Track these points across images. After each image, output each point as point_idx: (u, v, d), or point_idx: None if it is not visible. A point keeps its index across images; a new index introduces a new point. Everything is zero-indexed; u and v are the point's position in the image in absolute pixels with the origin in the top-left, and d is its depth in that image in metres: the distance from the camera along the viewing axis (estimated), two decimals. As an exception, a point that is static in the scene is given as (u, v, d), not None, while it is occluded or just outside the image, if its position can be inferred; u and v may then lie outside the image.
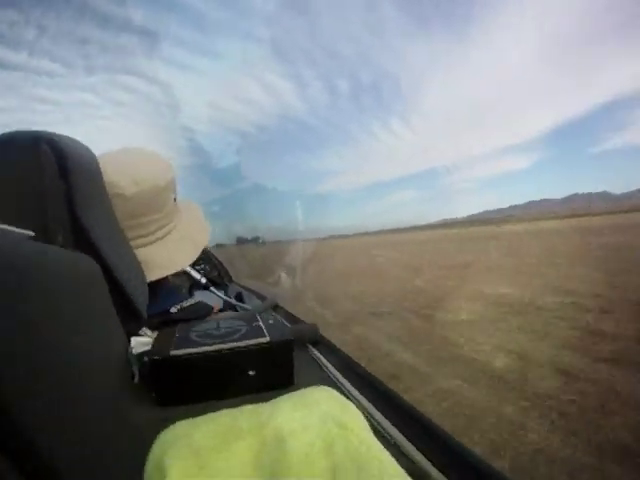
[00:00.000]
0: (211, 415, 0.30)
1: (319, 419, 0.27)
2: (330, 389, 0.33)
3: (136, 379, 0.37)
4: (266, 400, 0.32)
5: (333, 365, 0.48)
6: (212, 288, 0.77)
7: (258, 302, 0.99)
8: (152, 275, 0.52)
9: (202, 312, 0.58)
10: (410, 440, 0.34)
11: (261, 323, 0.44)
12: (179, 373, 0.36)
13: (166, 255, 0.55)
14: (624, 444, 1.41)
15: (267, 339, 0.39)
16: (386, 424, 0.36)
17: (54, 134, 0.38)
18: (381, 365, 2.36)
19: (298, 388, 0.40)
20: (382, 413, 0.37)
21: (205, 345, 0.37)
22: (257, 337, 0.39)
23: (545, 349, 2.47)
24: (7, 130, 0.38)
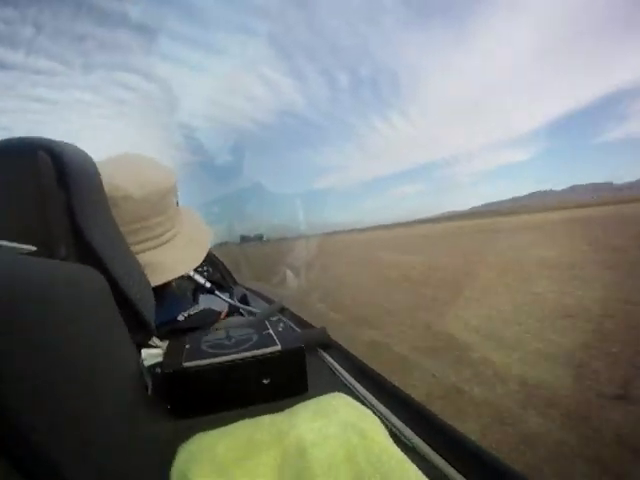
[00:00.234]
0: (231, 427, 0.30)
1: (339, 428, 0.27)
2: (345, 396, 0.33)
3: (149, 391, 0.37)
4: (281, 409, 0.32)
5: (344, 369, 0.48)
6: (217, 292, 0.77)
7: (264, 304, 0.99)
8: (162, 278, 0.52)
9: (209, 319, 0.58)
10: (428, 444, 0.33)
11: (271, 331, 0.43)
12: (192, 385, 0.36)
13: (174, 257, 0.55)
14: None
15: (279, 347, 0.38)
16: (403, 428, 0.36)
17: (51, 140, 0.37)
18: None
19: (311, 394, 0.40)
20: (397, 417, 0.37)
21: (217, 356, 0.37)
22: (268, 346, 0.39)
23: None
24: (5, 132, 0.37)
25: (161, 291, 0.52)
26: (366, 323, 2.95)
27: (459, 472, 0.30)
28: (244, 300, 0.91)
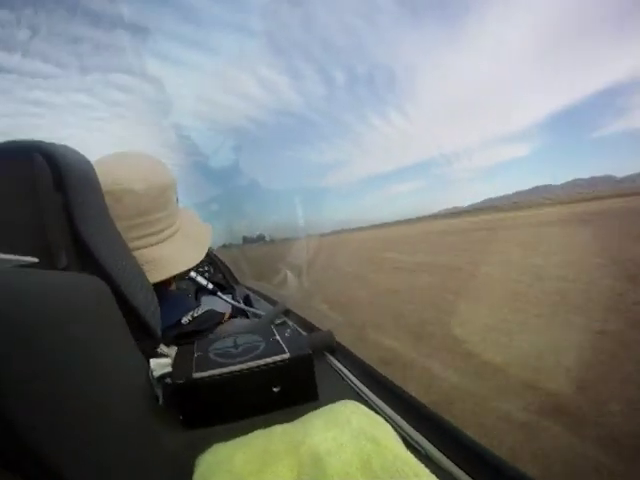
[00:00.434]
0: (245, 438, 0.30)
1: (352, 436, 0.27)
2: (357, 403, 0.33)
3: (160, 401, 0.37)
4: (292, 416, 0.33)
5: (352, 373, 0.48)
6: (219, 293, 0.77)
7: (267, 305, 0.98)
8: (163, 273, 0.52)
9: (213, 321, 0.58)
10: (440, 450, 0.33)
11: (278, 337, 0.43)
12: (203, 395, 0.36)
13: (175, 253, 0.55)
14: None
15: (287, 355, 0.38)
16: (414, 434, 0.35)
17: (47, 143, 0.36)
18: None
19: (321, 399, 0.39)
20: (409, 423, 0.37)
21: (226, 365, 0.37)
22: (276, 354, 0.38)
23: None
24: (2, 137, 0.36)
25: (163, 294, 0.52)
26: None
27: (473, 479, 0.30)
28: (247, 301, 0.91)
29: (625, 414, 1.53)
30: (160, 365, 0.39)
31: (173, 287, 0.66)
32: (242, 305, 0.81)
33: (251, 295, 1.01)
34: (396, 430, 0.31)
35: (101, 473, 0.22)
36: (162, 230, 0.55)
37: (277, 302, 0.95)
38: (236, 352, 0.40)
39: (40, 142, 0.36)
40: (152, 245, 0.53)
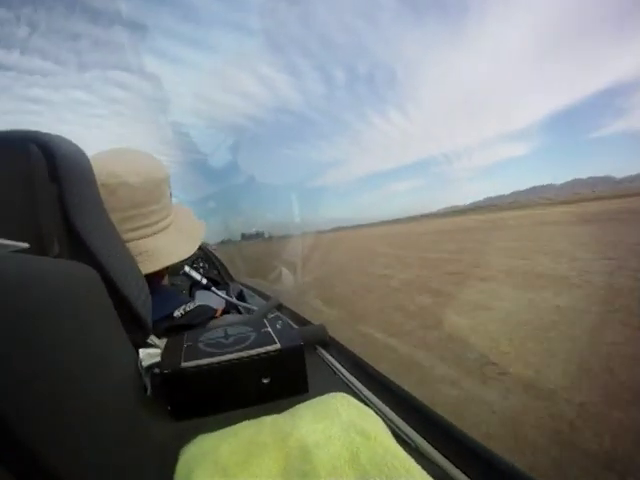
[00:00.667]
0: (232, 428, 0.30)
1: (341, 429, 0.27)
2: (347, 396, 0.33)
3: (149, 392, 0.37)
4: (281, 408, 0.32)
5: (343, 367, 0.47)
6: (213, 288, 0.77)
7: (260, 301, 0.98)
8: (156, 264, 0.53)
9: (206, 315, 0.58)
10: (431, 443, 0.33)
11: (269, 329, 0.43)
12: (191, 385, 0.36)
13: (169, 245, 0.56)
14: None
15: (278, 346, 0.38)
16: (404, 427, 0.35)
17: (43, 133, 0.36)
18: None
19: (311, 393, 0.39)
20: (399, 416, 0.37)
21: (215, 355, 0.37)
22: (267, 344, 0.38)
23: None
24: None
25: (155, 287, 0.52)
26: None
27: (462, 472, 0.30)
28: (241, 297, 0.91)
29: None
30: (149, 355, 0.38)
31: (166, 281, 0.66)
32: (235, 300, 0.80)
33: (245, 291, 1.01)
34: (386, 423, 0.31)
35: (84, 460, 0.22)
36: (156, 222, 0.56)
37: (271, 297, 0.96)
38: (226, 342, 0.39)
39: (36, 132, 0.36)
40: (146, 237, 0.54)
